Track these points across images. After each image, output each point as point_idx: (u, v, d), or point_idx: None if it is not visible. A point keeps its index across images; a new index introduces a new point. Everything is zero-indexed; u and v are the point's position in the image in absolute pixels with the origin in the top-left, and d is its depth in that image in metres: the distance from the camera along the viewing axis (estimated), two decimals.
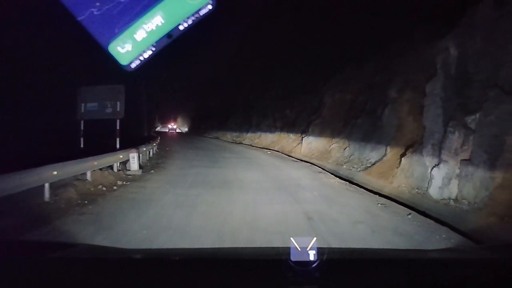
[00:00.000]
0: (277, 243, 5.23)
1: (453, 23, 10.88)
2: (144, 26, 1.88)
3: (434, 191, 9.16)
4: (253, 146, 29.23)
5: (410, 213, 7.63)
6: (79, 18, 1.82)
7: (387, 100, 14.80)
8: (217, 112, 48.07)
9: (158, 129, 74.05)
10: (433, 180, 9.29)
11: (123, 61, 1.90)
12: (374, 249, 4.31)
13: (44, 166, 7.62)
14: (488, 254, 2.53)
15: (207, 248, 4.13)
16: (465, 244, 5.88)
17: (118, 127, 14.57)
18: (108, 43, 1.88)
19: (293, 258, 1.59)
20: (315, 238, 1.60)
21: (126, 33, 1.88)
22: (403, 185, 10.46)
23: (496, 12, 9.51)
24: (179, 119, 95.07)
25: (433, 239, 5.89)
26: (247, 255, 2.46)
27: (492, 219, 7.22)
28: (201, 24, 1.97)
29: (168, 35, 1.91)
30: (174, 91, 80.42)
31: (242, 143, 32.17)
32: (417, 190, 9.81)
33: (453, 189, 8.72)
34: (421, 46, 12.76)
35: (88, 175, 9.55)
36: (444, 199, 8.80)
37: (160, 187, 9.80)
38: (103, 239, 5.39)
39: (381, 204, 8.46)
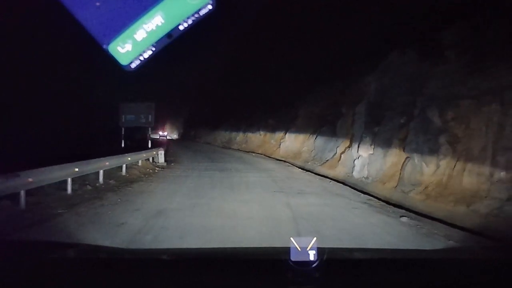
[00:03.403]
0: (259, 191, 10.83)
1: (376, 65, 16.70)
2: (144, 26, 1.90)
3: (355, 174, 14.90)
4: (240, 150, 34.77)
5: (331, 181, 13.43)
6: (79, 18, 1.82)
7: (340, 114, 20.54)
8: (208, 120, 53.42)
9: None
10: (355, 167, 15.03)
11: (123, 61, 1.93)
12: (374, 249, 4.46)
13: (124, 154, 13.13)
14: (488, 254, 2.62)
15: (207, 248, 4.26)
16: (354, 192, 11.56)
17: (149, 133, 20.31)
18: (108, 43, 1.90)
19: (293, 258, 1.65)
20: (315, 238, 1.67)
21: (126, 33, 1.90)
22: (341, 171, 16.17)
23: (399, 60, 15.36)
24: (167, 126, 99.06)
25: (339, 189, 11.65)
26: (247, 255, 2.49)
27: (379, 184, 12.97)
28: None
29: (168, 35, 1.93)
30: (163, 98, 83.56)
31: (231, 148, 37.73)
32: (347, 174, 15.51)
33: (365, 172, 14.46)
34: (359, 78, 18.58)
35: (140, 163, 15.05)
36: (360, 178, 14.53)
37: (185, 171, 15.40)
38: (173, 188, 10.91)
39: (319, 179, 14.31)
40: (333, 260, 1.90)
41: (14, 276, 1.65)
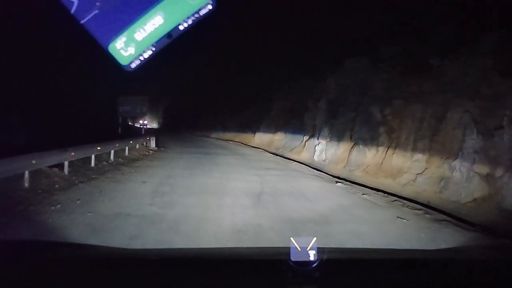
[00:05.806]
0: (237, 167, 14.01)
1: (336, 68, 20.04)
2: (144, 26, 1.91)
3: (316, 157, 18.29)
4: (219, 138, 37.85)
5: (294, 162, 16.82)
6: (79, 19, 1.85)
7: (307, 108, 23.87)
8: (188, 110, 56.10)
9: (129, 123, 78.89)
10: (316, 152, 18.44)
11: (123, 61, 1.94)
12: (374, 249, 4.50)
13: (127, 138, 16.10)
14: (488, 254, 2.64)
15: (206, 248, 4.28)
16: (310, 170, 14.90)
17: (143, 121, 23.36)
18: (108, 43, 1.91)
19: (293, 258, 1.66)
20: (315, 238, 1.68)
21: (126, 33, 1.91)
22: (305, 156, 19.55)
23: (353, 65, 18.72)
24: (147, 116, 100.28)
25: (299, 167, 14.98)
26: (247, 255, 2.51)
27: (333, 165, 16.38)
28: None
29: (168, 35, 1.95)
30: (143, 89, 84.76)
31: (210, 136, 40.77)
32: (310, 158, 18.90)
33: (323, 156, 17.87)
34: (323, 79, 21.92)
35: (137, 146, 18.02)
36: (319, 160, 17.93)
37: (175, 153, 18.50)
38: (171, 164, 13.98)
39: (286, 161, 17.71)
40: (333, 260, 1.92)
41: (14, 276, 1.67)
